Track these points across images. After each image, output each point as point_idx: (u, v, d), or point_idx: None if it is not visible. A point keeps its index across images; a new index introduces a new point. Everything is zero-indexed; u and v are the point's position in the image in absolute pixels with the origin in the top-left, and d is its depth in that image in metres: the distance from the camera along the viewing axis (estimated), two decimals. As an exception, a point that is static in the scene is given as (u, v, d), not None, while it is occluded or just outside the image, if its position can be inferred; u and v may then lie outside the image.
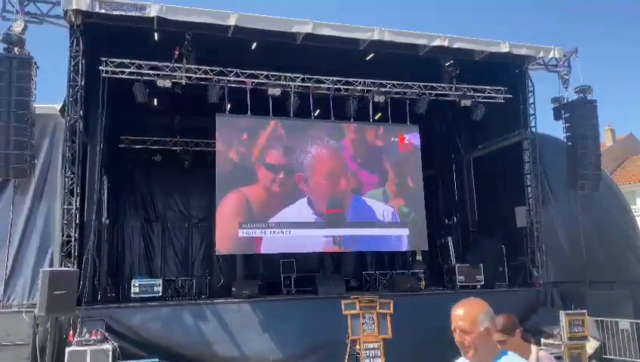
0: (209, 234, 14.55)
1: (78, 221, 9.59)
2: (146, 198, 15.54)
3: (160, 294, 10.92)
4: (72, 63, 9.78)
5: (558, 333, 9.07)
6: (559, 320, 8.96)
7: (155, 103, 12.42)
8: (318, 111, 12.77)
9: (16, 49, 9.20)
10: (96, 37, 10.17)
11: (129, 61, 10.73)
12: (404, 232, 12.81)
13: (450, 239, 14.64)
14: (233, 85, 11.44)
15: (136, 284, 10.90)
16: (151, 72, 10.83)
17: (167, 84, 10.79)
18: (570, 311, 9.46)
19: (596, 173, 12.45)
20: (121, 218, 15.10)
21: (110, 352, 8.12)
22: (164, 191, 15.63)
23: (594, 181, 12.39)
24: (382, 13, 43.17)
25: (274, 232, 11.84)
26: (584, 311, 9.39)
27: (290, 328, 9.94)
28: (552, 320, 10.00)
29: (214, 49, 11.05)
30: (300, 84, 11.90)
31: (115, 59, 10.64)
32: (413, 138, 13.28)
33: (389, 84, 12.44)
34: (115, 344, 8.39)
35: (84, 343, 8.19)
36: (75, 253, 9.38)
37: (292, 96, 11.76)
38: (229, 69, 11.37)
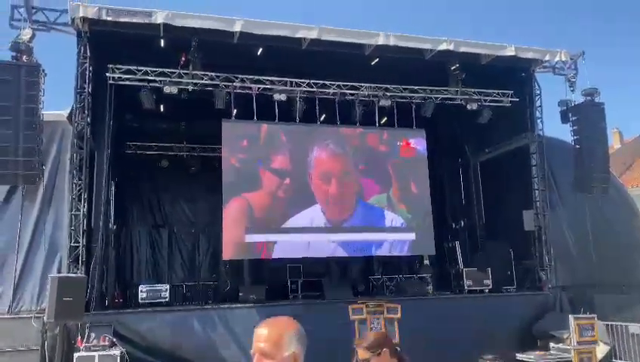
0: (215, 240, 14.56)
1: (85, 227, 9.64)
2: (152, 204, 15.58)
3: (167, 299, 10.94)
4: (80, 70, 9.86)
5: (568, 338, 9.01)
6: (568, 325, 8.90)
7: (162, 109, 12.48)
8: (323, 116, 12.78)
9: (24, 57, 9.28)
10: (103, 44, 10.24)
11: (136, 68, 10.80)
12: (411, 237, 12.78)
13: (457, 243, 14.58)
14: (239, 91, 11.49)
15: (144, 290, 10.94)
16: (157, 78, 10.89)
17: (174, 90, 10.85)
18: (579, 316, 9.39)
19: (604, 176, 12.38)
20: (127, 223, 15.14)
21: (118, 358, 8.15)
22: (170, 196, 15.67)
23: (602, 184, 12.32)
24: (387, 14, 43.17)
25: (280, 238, 11.87)
26: (594, 315, 9.32)
27: (297, 333, 9.90)
28: (561, 324, 9.94)
29: (220, 55, 11.09)
30: (305, 89, 11.93)
31: (122, 66, 10.71)
32: (419, 142, 13.27)
33: (394, 88, 12.44)
34: (123, 349, 8.42)
35: (92, 349, 8.22)
36: (82, 258, 9.42)
37: (298, 102, 11.79)
38: (235, 75, 11.42)
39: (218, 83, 11.24)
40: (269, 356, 1.87)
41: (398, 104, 12.54)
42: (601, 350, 9.44)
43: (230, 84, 11.36)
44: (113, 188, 12.41)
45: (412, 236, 12.75)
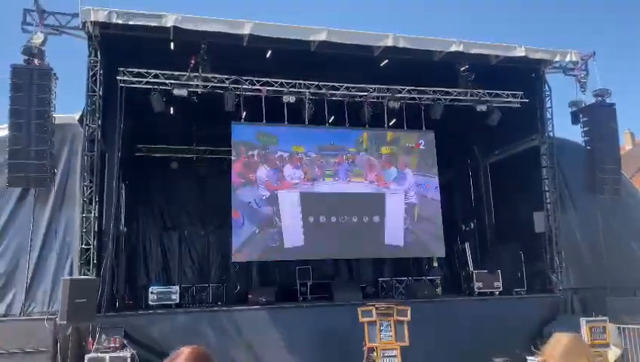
0: (225, 242, 14.62)
1: (96, 229, 9.71)
2: (162, 206, 15.66)
3: (177, 301, 10.99)
4: (91, 73, 9.95)
5: (579, 341, 8.92)
6: (580, 327, 8.82)
7: (172, 112, 12.55)
8: (332, 117, 12.79)
9: (36, 60, 9.39)
10: (114, 47, 10.32)
11: (146, 71, 10.88)
12: (420, 238, 12.76)
13: (467, 245, 14.50)
14: (248, 93, 11.53)
15: (154, 292, 10.99)
16: (167, 81, 10.97)
17: (184, 93, 10.91)
18: (590, 318, 9.32)
19: (616, 178, 12.27)
20: (138, 225, 15.23)
21: (129, 359, 8.21)
22: (180, 198, 15.73)
23: (613, 185, 12.21)
24: (395, 15, 43.14)
25: (289, 239, 11.89)
26: (605, 317, 9.23)
27: (306, 335, 9.92)
28: (573, 327, 9.83)
29: (230, 57, 11.13)
30: (314, 91, 11.95)
31: (133, 69, 10.80)
32: (428, 144, 13.25)
33: (403, 89, 12.41)
34: (134, 351, 8.47)
35: (103, 350, 8.28)
36: (93, 260, 9.49)
37: (307, 103, 11.81)
38: (244, 77, 11.46)
39: (227, 85, 11.28)
40: None
41: (407, 105, 12.52)
42: (614, 353, 9.34)
43: (239, 86, 11.40)
44: (124, 190, 12.48)
45: (421, 237, 12.75)
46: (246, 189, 11.86)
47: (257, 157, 12.07)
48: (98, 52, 9.99)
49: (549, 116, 12.57)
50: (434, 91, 12.54)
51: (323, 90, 12.01)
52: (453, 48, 11.25)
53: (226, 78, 11.27)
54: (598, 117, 12.39)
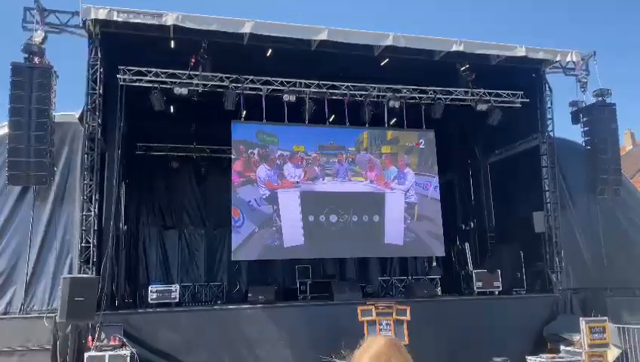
0: (225, 240, 14.64)
1: (96, 227, 9.71)
2: (162, 204, 15.68)
3: (177, 300, 10.99)
4: (91, 72, 9.95)
5: (579, 340, 8.93)
6: (579, 327, 8.83)
7: (172, 110, 12.55)
8: (333, 116, 12.79)
9: (36, 59, 9.37)
10: (114, 46, 10.32)
11: (146, 69, 10.88)
12: (420, 237, 12.76)
13: (467, 245, 14.52)
14: (249, 92, 11.53)
15: (154, 290, 10.98)
16: (168, 79, 10.96)
17: (184, 91, 10.90)
18: (590, 318, 9.33)
19: (616, 178, 12.26)
20: (138, 224, 15.24)
21: (128, 358, 8.23)
22: (180, 197, 15.76)
23: (614, 186, 12.20)
24: (395, 14, 43.09)
25: (289, 238, 11.90)
26: (605, 317, 9.24)
27: (306, 334, 9.93)
28: (572, 326, 9.86)
29: (230, 56, 11.13)
30: (314, 90, 11.95)
31: (133, 68, 10.79)
32: (428, 143, 13.26)
33: (404, 89, 12.41)
34: (133, 349, 8.48)
35: (102, 348, 8.29)
36: (93, 259, 9.50)
37: (307, 102, 11.81)
38: (244, 76, 11.45)
39: (228, 84, 11.28)
40: None
41: (408, 105, 12.51)
42: (613, 353, 9.35)
43: (240, 85, 11.40)
44: (124, 188, 12.50)
45: (422, 237, 12.75)
46: (246, 188, 11.87)
47: (257, 156, 12.08)
48: (98, 50, 9.99)
49: (549, 116, 12.56)
50: (434, 91, 12.54)
51: (323, 90, 12.01)
52: (454, 48, 11.24)
53: (227, 77, 11.27)
54: (598, 117, 12.38)
